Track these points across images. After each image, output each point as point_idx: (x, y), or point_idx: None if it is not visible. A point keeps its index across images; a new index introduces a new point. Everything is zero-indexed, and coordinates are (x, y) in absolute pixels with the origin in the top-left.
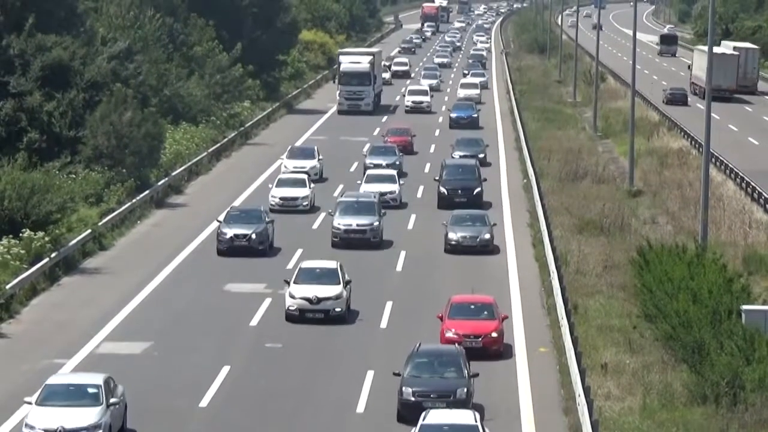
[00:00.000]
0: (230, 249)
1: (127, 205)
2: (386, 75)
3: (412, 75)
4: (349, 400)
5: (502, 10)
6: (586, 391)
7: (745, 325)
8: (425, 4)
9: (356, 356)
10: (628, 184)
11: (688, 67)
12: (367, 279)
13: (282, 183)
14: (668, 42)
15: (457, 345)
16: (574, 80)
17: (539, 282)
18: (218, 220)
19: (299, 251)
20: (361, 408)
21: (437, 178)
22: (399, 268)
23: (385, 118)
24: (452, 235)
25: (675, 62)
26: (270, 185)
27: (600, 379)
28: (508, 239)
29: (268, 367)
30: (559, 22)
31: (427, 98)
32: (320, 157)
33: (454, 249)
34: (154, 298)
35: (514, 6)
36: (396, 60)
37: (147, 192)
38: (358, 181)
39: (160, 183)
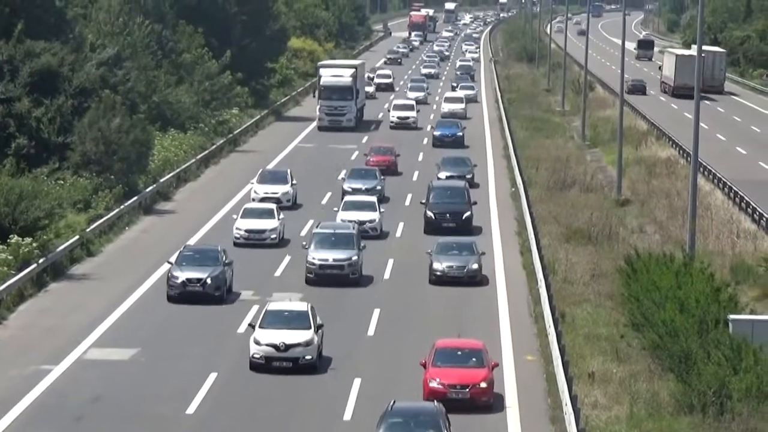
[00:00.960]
0: (182, 295)
1: (115, 212)
2: (370, 88)
3: (397, 88)
4: (337, 407)
5: (489, 20)
6: (573, 399)
7: (732, 334)
8: (413, 13)
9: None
10: (616, 193)
11: (659, 68)
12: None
13: (248, 213)
14: (645, 47)
15: (435, 402)
16: (563, 89)
17: (527, 290)
18: (169, 262)
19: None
20: (348, 416)
21: (423, 201)
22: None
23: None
24: (437, 265)
25: (650, 65)
26: (234, 216)
27: (587, 387)
28: (495, 247)
29: (256, 374)
30: (548, 31)
31: (413, 113)
32: (293, 181)
33: (439, 280)
34: (142, 304)
35: (501, 15)
36: (379, 72)
37: (135, 198)
38: (335, 209)
39: (148, 189)
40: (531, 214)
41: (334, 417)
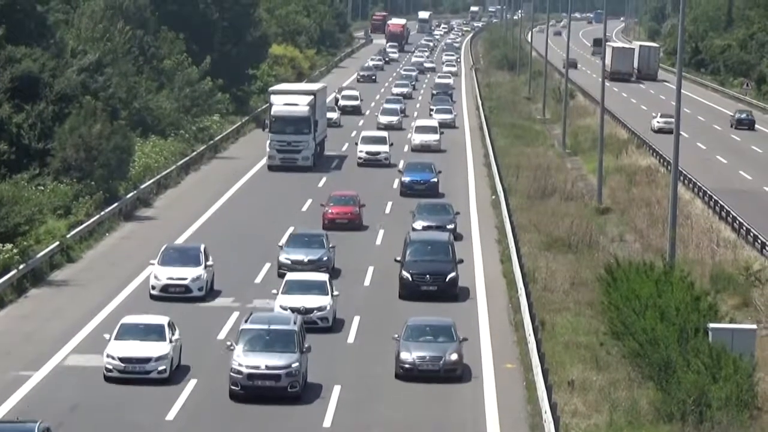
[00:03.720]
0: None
1: (95, 218)
2: (334, 114)
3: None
4: (317, 413)
5: (466, 28)
6: (553, 407)
7: (711, 343)
8: (390, 22)
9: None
10: (596, 202)
11: (602, 57)
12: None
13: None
14: (599, 44)
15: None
16: (544, 97)
17: (507, 298)
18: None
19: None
20: (327, 422)
21: (399, 258)
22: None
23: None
24: (405, 355)
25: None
26: (106, 336)
27: (567, 395)
28: (476, 255)
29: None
30: (529, 39)
31: (385, 148)
32: (209, 262)
33: (408, 374)
34: (122, 310)
35: (474, 24)
36: (345, 93)
37: (116, 205)
38: (274, 290)
39: (128, 196)
40: (511, 222)
41: (314, 423)
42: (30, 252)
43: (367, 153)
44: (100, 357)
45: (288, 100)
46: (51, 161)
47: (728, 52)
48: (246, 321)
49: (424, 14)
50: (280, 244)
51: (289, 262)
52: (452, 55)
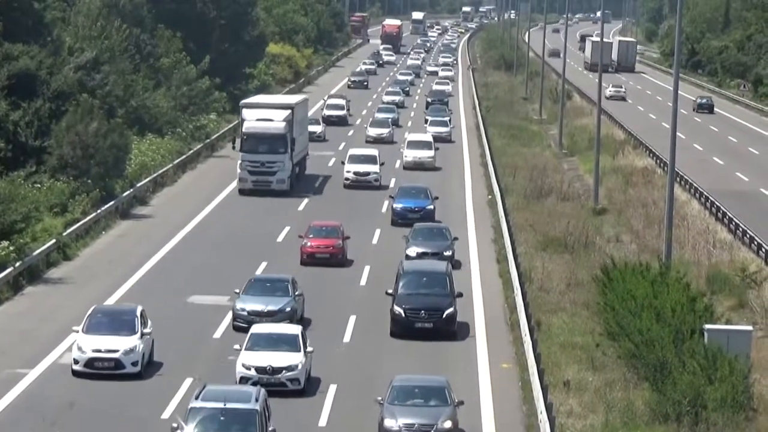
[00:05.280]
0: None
1: (92, 216)
2: (318, 128)
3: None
4: (312, 414)
5: (459, 29)
6: (549, 408)
7: (707, 344)
8: (385, 23)
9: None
10: (592, 202)
11: (583, 50)
12: None
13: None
14: (584, 40)
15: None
16: (540, 97)
17: (503, 298)
18: (74, 329)
19: None
20: (323, 422)
21: (390, 291)
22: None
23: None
24: (390, 423)
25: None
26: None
27: (562, 396)
28: (472, 255)
29: (231, 380)
30: (527, 39)
31: (375, 168)
32: (146, 329)
33: None
34: None
35: (468, 26)
36: (330, 102)
37: (112, 203)
38: (236, 346)
39: (125, 194)
40: (508, 222)
41: (310, 423)
42: (26, 249)
43: (354, 173)
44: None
45: (262, 114)
46: (48, 159)
47: (725, 54)
48: (197, 396)
49: (417, 15)
50: (237, 290)
51: (245, 312)
52: (449, 57)
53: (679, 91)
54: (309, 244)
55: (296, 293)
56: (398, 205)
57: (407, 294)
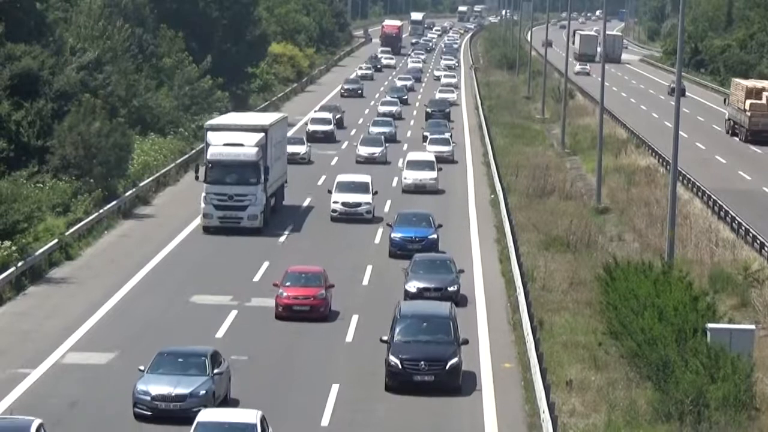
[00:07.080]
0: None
1: (94, 216)
2: (301, 149)
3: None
4: (314, 413)
5: (460, 30)
6: (551, 407)
7: (710, 343)
8: (385, 23)
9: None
10: (595, 201)
11: (573, 43)
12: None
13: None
14: (575, 33)
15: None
16: (543, 96)
17: (505, 297)
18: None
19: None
20: (325, 421)
21: (385, 338)
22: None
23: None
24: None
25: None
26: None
27: (565, 395)
28: (474, 255)
29: (234, 379)
30: (529, 38)
31: (367, 198)
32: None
33: None
34: (120, 308)
35: (466, 26)
36: (314, 116)
37: (114, 202)
38: None
39: (127, 193)
40: (510, 221)
41: (312, 422)
42: (29, 249)
43: (343, 205)
44: (99, 354)
45: (230, 138)
46: (50, 159)
47: (728, 53)
48: None
49: (417, 15)
50: (141, 367)
51: (148, 397)
52: (452, 60)
53: (653, 77)
54: (285, 294)
55: (215, 371)
56: (397, 235)
57: (404, 342)
